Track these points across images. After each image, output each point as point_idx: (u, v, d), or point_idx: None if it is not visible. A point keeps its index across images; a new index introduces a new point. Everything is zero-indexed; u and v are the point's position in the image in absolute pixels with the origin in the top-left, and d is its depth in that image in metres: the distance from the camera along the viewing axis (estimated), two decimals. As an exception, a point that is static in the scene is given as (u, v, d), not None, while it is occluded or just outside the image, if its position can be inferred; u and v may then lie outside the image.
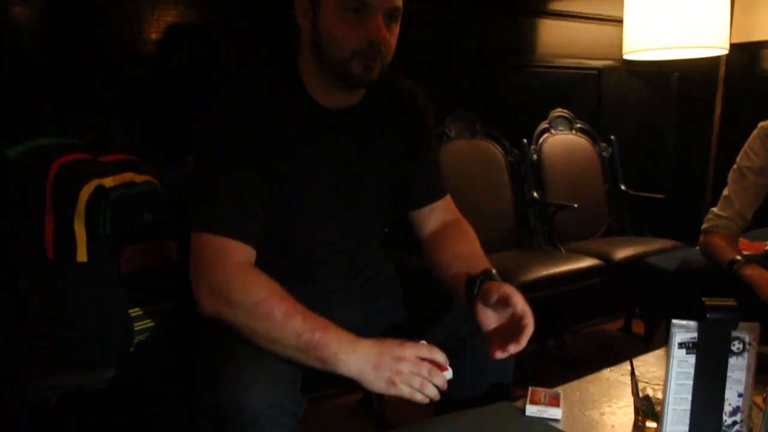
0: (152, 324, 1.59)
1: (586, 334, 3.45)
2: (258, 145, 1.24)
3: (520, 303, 1.22)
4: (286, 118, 1.28)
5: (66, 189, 1.51)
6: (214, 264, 1.19)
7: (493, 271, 1.32)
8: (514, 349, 1.20)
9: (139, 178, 1.66)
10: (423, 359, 1.13)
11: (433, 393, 1.14)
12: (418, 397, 1.13)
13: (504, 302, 1.23)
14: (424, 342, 1.18)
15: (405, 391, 1.12)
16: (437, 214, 1.50)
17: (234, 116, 1.24)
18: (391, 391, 1.13)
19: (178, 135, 2.14)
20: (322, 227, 1.37)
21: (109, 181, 1.57)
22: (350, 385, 1.19)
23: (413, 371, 1.12)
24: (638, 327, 3.41)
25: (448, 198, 1.54)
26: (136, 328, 1.56)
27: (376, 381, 1.12)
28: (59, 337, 1.51)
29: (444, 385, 1.14)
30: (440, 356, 1.15)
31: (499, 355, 1.21)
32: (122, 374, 1.56)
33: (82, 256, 1.50)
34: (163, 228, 1.67)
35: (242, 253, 1.21)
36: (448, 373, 1.15)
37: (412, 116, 1.47)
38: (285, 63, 1.33)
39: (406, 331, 1.46)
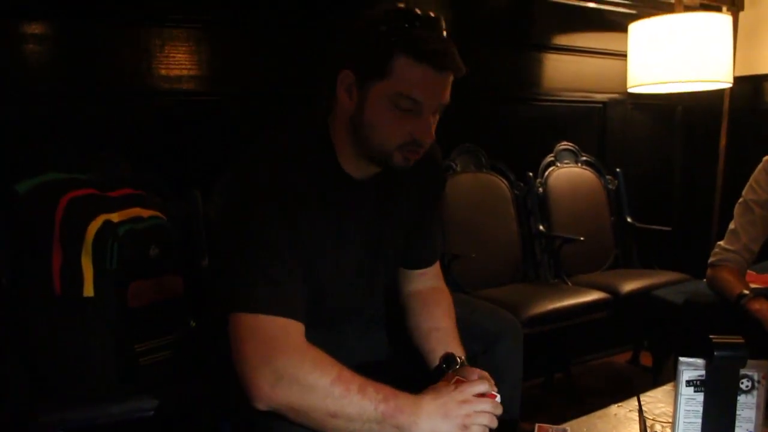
0: (160, 358, 1.59)
1: (594, 366, 3.42)
2: (296, 218, 1.18)
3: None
4: (318, 190, 1.24)
5: (74, 224, 1.53)
6: (275, 349, 1.10)
7: (465, 357, 1.37)
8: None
9: (146, 213, 1.68)
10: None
11: (495, 424, 1.16)
12: None
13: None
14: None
15: (479, 431, 1.14)
16: (425, 278, 1.52)
17: (273, 187, 1.17)
18: None
19: (185, 169, 2.18)
20: (345, 295, 1.37)
21: (116, 216, 1.59)
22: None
23: (478, 410, 1.14)
24: (646, 359, 3.37)
25: (437, 264, 1.55)
26: (142, 363, 1.56)
27: (450, 430, 1.12)
28: (64, 372, 1.51)
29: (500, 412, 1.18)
30: (492, 386, 1.20)
31: None
32: (141, 409, 1.55)
33: (89, 291, 1.51)
34: (169, 263, 1.68)
35: (301, 332, 1.15)
36: (498, 398, 1.20)
37: (431, 178, 1.46)
38: (316, 130, 1.28)
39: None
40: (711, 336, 1.08)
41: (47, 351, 1.52)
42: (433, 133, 1.23)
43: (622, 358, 3.54)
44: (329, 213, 1.26)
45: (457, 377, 1.26)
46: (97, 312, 1.53)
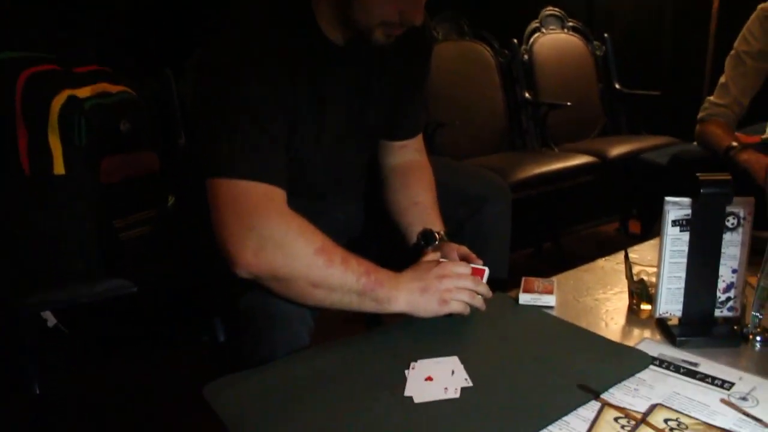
0: (138, 234, 1.57)
1: (583, 235, 3.46)
2: (276, 83, 1.11)
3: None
4: (297, 54, 1.15)
5: (37, 101, 1.46)
6: (258, 215, 1.05)
7: (445, 232, 1.34)
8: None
9: (114, 88, 1.61)
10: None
11: (480, 303, 1.16)
12: (468, 310, 1.14)
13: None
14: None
15: (458, 307, 1.13)
16: (407, 151, 1.46)
17: (251, 50, 1.09)
18: (444, 310, 1.12)
19: (154, 47, 2.08)
20: (326, 165, 1.31)
21: (82, 92, 1.51)
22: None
23: (459, 286, 1.13)
24: (635, 227, 3.41)
25: (420, 136, 1.49)
26: (122, 239, 1.54)
27: (428, 305, 1.11)
28: (44, 253, 1.49)
29: (488, 293, 1.17)
30: (476, 261, 1.18)
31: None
32: (124, 286, 1.55)
33: (59, 168, 1.46)
34: (142, 139, 1.62)
35: (284, 198, 1.10)
36: (487, 273, 1.20)
37: (418, 48, 1.38)
38: None
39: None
40: (698, 174, 1.05)
41: (24, 233, 1.49)
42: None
43: (611, 227, 3.57)
44: (309, 79, 1.19)
45: (441, 260, 1.23)
46: (70, 190, 1.49)
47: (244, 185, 1.06)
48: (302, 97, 1.18)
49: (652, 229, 2.85)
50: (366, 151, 1.42)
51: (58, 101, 1.46)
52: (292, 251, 1.05)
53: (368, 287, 1.08)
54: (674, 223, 1.08)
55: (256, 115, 1.08)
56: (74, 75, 1.56)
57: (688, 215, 1.07)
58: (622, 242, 3.38)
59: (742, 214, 1.08)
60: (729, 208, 1.07)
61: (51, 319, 1.86)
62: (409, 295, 1.11)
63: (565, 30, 3.14)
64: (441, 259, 1.22)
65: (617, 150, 2.72)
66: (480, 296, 1.16)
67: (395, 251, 1.35)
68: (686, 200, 1.07)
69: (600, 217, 3.52)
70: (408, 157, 1.46)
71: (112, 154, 1.55)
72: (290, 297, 1.08)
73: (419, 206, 1.38)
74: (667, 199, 1.07)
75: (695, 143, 2.15)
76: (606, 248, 1.53)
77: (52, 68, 1.54)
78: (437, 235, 1.32)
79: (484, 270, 1.22)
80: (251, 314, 1.10)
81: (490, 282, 1.24)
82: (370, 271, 1.09)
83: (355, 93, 1.28)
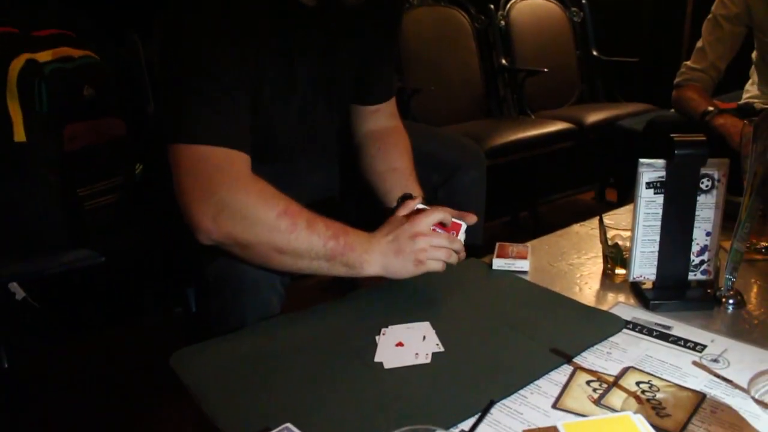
0: (104, 202, 1.53)
1: (560, 204, 3.46)
2: (240, 43, 1.07)
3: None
4: (266, 15, 1.12)
5: (-7, 65, 1.41)
6: (219, 179, 1.02)
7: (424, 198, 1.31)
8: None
9: (76, 53, 1.55)
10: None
11: (455, 260, 1.12)
12: (443, 269, 1.11)
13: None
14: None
15: (433, 266, 1.09)
16: (380, 117, 1.42)
17: (213, 11, 1.05)
18: (420, 270, 1.08)
19: (119, 10, 2.01)
20: (300, 121, 1.28)
21: (42, 56, 1.46)
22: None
23: (434, 244, 1.09)
24: (611, 195, 3.42)
25: (393, 101, 1.46)
26: (87, 207, 1.50)
27: (404, 267, 1.07)
28: (6, 224, 1.44)
29: (462, 250, 1.14)
30: (449, 218, 1.13)
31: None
32: (91, 256, 1.51)
33: (20, 136, 1.41)
34: (107, 105, 1.57)
35: (247, 163, 1.06)
36: (464, 227, 1.16)
37: (388, 11, 1.35)
38: None
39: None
40: (672, 135, 1.03)
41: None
42: None
43: (588, 195, 3.58)
44: (279, 40, 1.15)
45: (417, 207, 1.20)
46: (32, 158, 1.44)
47: (205, 150, 1.02)
48: (270, 57, 1.14)
49: (628, 197, 2.86)
50: (336, 115, 1.38)
51: (16, 65, 1.41)
52: (253, 216, 1.02)
53: (337, 251, 1.04)
54: (648, 185, 1.06)
55: (218, 78, 1.04)
56: (33, 38, 1.50)
57: (662, 177, 1.06)
58: (598, 211, 3.37)
59: (716, 176, 1.06)
60: (703, 170, 1.06)
61: (19, 293, 1.83)
62: (383, 258, 1.07)
63: (543, -5, 3.10)
64: (420, 206, 1.17)
65: (594, 117, 2.70)
66: (455, 254, 1.12)
67: (374, 213, 1.31)
68: (660, 162, 1.05)
69: (577, 186, 3.52)
70: (382, 123, 1.43)
71: (76, 121, 1.50)
72: (256, 263, 1.05)
73: (397, 172, 1.35)
74: (641, 161, 1.06)
75: (672, 110, 2.14)
76: (583, 217, 1.52)
77: (8, 31, 1.47)
78: (418, 201, 1.28)
79: (460, 225, 1.18)
80: (219, 282, 1.07)
81: (465, 248, 1.22)
82: (338, 234, 1.05)
83: (324, 54, 1.24)
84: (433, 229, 1.14)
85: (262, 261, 1.04)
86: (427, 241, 1.09)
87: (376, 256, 1.07)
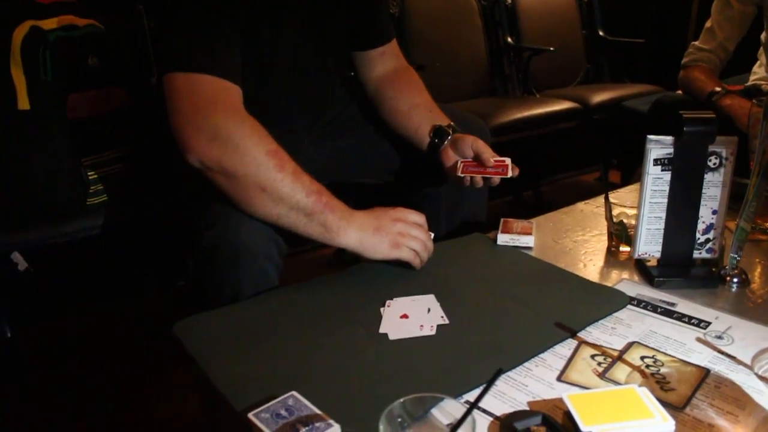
0: (106, 173, 1.52)
1: (564, 184, 3.45)
2: None
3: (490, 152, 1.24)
4: None
5: (-4, 31, 1.39)
6: (214, 107, 1.03)
7: (453, 123, 1.33)
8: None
9: (81, 21, 1.53)
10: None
11: (425, 258, 1.11)
12: (417, 262, 1.10)
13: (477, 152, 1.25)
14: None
15: (408, 254, 1.08)
16: (387, 58, 1.44)
17: None
18: (394, 254, 1.08)
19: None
20: (291, 70, 1.28)
21: (46, 23, 1.44)
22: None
23: (413, 234, 1.09)
24: (615, 177, 3.41)
25: (395, 42, 1.46)
26: (91, 177, 1.49)
27: (379, 245, 1.07)
28: (9, 192, 1.44)
29: (430, 250, 1.12)
30: (421, 219, 1.13)
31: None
32: (94, 226, 1.51)
33: (23, 104, 1.40)
34: (111, 75, 1.56)
35: (240, 96, 1.08)
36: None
37: None
38: None
39: (374, 168, 1.44)
40: (681, 111, 1.03)
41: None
42: None
43: (591, 176, 3.57)
44: None
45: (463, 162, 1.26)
46: (36, 126, 1.43)
47: (200, 78, 1.04)
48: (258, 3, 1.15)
49: (632, 178, 2.85)
50: (328, 67, 1.39)
51: (20, 32, 1.39)
52: (243, 147, 1.02)
53: (317, 208, 1.04)
54: (656, 162, 1.06)
55: (209, 11, 1.06)
56: (38, 6, 1.48)
57: (669, 154, 1.05)
58: (602, 191, 3.37)
59: (724, 154, 1.06)
60: (711, 148, 1.05)
61: (22, 263, 1.83)
62: (361, 231, 1.06)
63: (550, -26, 3.07)
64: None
65: (599, 97, 2.69)
66: (426, 252, 1.11)
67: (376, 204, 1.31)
68: (668, 139, 1.05)
69: (581, 166, 3.51)
70: (390, 64, 1.45)
71: (80, 90, 1.49)
72: (237, 199, 1.04)
73: (420, 107, 1.36)
74: (650, 137, 1.05)
75: (678, 91, 2.13)
76: (586, 197, 1.51)
77: (13, -4, 1.46)
78: (449, 129, 1.32)
79: (504, 160, 1.23)
80: (213, 251, 1.06)
81: (470, 226, 1.22)
82: (322, 192, 1.05)
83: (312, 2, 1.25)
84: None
85: (243, 195, 1.03)
86: (407, 228, 1.09)
87: (355, 227, 1.06)
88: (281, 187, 1.02)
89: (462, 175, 1.24)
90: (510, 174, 1.23)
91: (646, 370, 0.82)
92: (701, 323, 0.95)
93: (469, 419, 0.62)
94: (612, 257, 1.21)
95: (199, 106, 1.03)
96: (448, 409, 0.66)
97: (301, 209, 1.03)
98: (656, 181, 1.07)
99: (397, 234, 1.08)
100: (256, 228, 1.05)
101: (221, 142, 1.01)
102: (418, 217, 1.12)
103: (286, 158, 1.04)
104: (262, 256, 1.07)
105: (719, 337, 0.91)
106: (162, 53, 1.10)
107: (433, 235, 1.15)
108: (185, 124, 1.03)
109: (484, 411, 0.74)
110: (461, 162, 1.26)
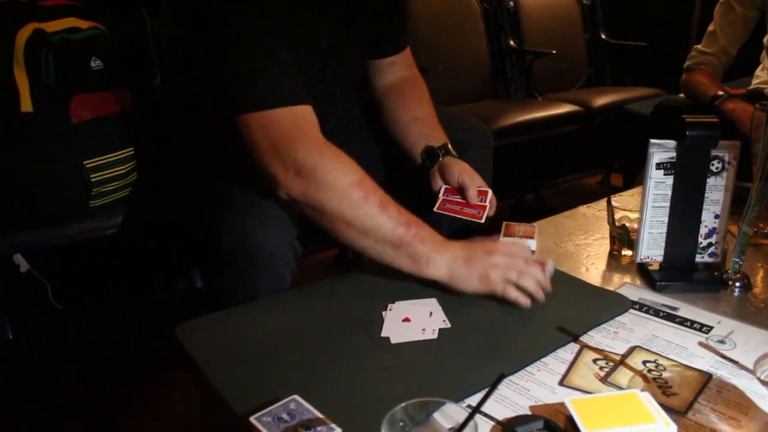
0: (112, 175, 1.52)
1: (565, 188, 3.45)
2: (270, 14, 1.07)
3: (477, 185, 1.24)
4: None
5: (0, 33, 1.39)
6: (295, 141, 1.02)
7: (449, 145, 1.31)
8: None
9: (84, 24, 1.54)
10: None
11: (533, 287, 0.98)
12: (513, 295, 0.98)
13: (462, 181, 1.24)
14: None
15: (499, 286, 0.98)
16: (397, 68, 1.43)
17: None
18: (485, 287, 0.99)
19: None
20: (318, 81, 1.27)
21: (49, 26, 1.45)
22: (329, 241, 1.12)
23: (508, 264, 0.99)
24: (617, 180, 3.40)
25: (408, 51, 1.46)
26: (93, 180, 1.49)
27: (469, 277, 0.99)
28: (12, 194, 1.44)
29: (547, 285, 1.01)
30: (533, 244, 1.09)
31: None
32: (97, 229, 1.51)
33: (26, 106, 1.40)
34: (114, 77, 1.56)
35: (313, 119, 1.06)
36: (551, 267, 1.04)
37: None
38: None
39: (378, 172, 1.44)
40: (684, 116, 1.03)
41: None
42: None
43: (593, 180, 3.56)
44: (299, 5, 1.15)
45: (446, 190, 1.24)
46: (39, 129, 1.43)
47: (271, 114, 1.03)
48: (292, 20, 1.13)
49: (634, 182, 2.85)
50: (348, 75, 1.37)
51: (24, 34, 1.39)
52: (326, 181, 1.01)
53: (406, 240, 1.00)
54: (658, 165, 1.06)
55: (262, 44, 1.05)
56: (41, 8, 1.48)
57: (672, 158, 1.05)
58: (604, 195, 3.36)
59: (726, 158, 1.06)
60: (714, 152, 1.05)
61: (24, 264, 1.83)
62: (453, 261, 1.00)
63: (552, -23, 3.08)
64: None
65: (602, 100, 2.69)
66: (534, 281, 0.99)
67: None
68: (671, 143, 1.04)
69: (583, 170, 3.50)
70: (400, 74, 1.44)
71: (82, 93, 1.49)
72: (327, 230, 1.04)
73: (419, 122, 1.35)
74: (652, 141, 1.05)
75: (681, 95, 2.13)
76: (587, 201, 1.51)
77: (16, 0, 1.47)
78: (440, 152, 1.29)
79: (487, 191, 1.21)
80: (233, 254, 1.06)
81: (471, 229, 1.22)
82: (411, 223, 1.01)
83: (343, 15, 1.25)
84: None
85: (330, 229, 1.03)
86: (501, 259, 1.00)
87: (446, 258, 1.00)
88: (366, 220, 1.00)
89: (437, 211, 1.24)
90: (483, 220, 1.21)
91: (648, 375, 0.82)
92: (703, 327, 0.94)
93: (471, 423, 0.61)
94: (614, 261, 1.20)
95: (280, 143, 1.02)
96: (450, 414, 0.66)
97: (388, 242, 1.01)
98: (659, 185, 1.07)
99: (489, 266, 0.99)
100: (275, 232, 1.06)
101: (305, 177, 1.00)
102: (523, 250, 1.04)
103: (371, 188, 1.02)
104: (280, 260, 1.07)
105: (721, 342, 0.91)
106: (228, 97, 1.07)
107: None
108: (272, 160, 1.02)
109: (486, 415, 0.74)
110: (442, 193, 1.26)
